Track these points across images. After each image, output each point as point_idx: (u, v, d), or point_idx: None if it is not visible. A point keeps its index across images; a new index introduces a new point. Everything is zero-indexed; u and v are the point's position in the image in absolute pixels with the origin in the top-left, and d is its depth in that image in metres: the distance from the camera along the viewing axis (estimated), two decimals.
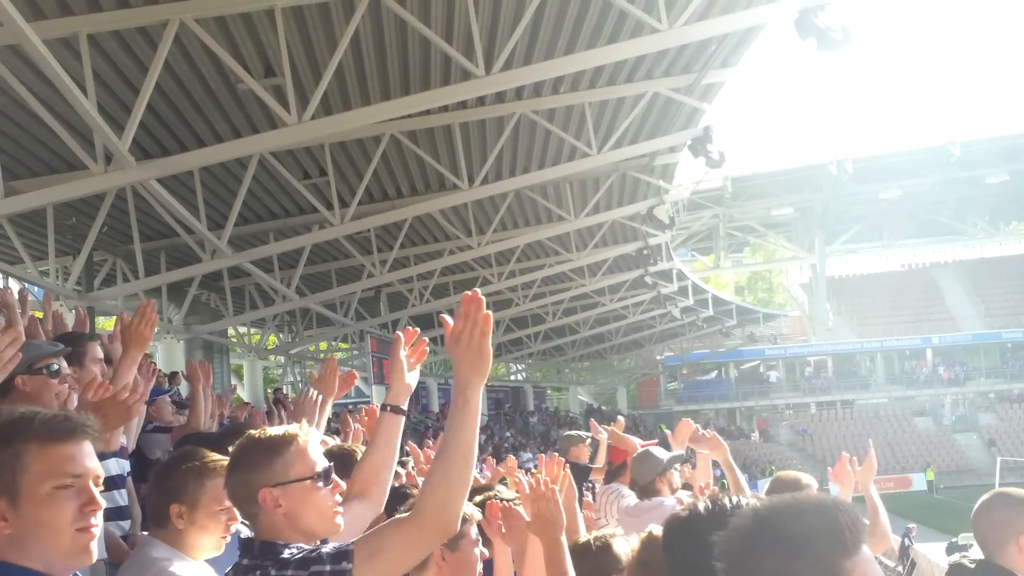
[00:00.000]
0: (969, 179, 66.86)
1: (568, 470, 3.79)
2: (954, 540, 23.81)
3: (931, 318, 72.82)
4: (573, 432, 10.27)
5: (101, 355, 4.90)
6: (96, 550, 2.22)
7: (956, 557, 4.23)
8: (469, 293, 2.58)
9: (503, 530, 3.63)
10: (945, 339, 69.07)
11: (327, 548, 2.52)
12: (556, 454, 3.71)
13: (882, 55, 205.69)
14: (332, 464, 2.78)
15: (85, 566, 2.23)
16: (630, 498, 6.63)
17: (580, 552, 3.68)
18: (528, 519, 3.46)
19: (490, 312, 2.61)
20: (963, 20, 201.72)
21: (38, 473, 2.11)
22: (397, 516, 2.62)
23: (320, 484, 2.69)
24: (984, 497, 4.05)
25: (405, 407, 3.42)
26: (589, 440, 9.57)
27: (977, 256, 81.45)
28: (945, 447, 61.18)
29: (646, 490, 6.35)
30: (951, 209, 73.48)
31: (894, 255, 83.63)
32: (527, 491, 3.47)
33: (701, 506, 2.51)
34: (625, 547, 3.89)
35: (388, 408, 3.33)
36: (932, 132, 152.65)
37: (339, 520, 2.73)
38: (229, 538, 3.29)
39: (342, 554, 2.46)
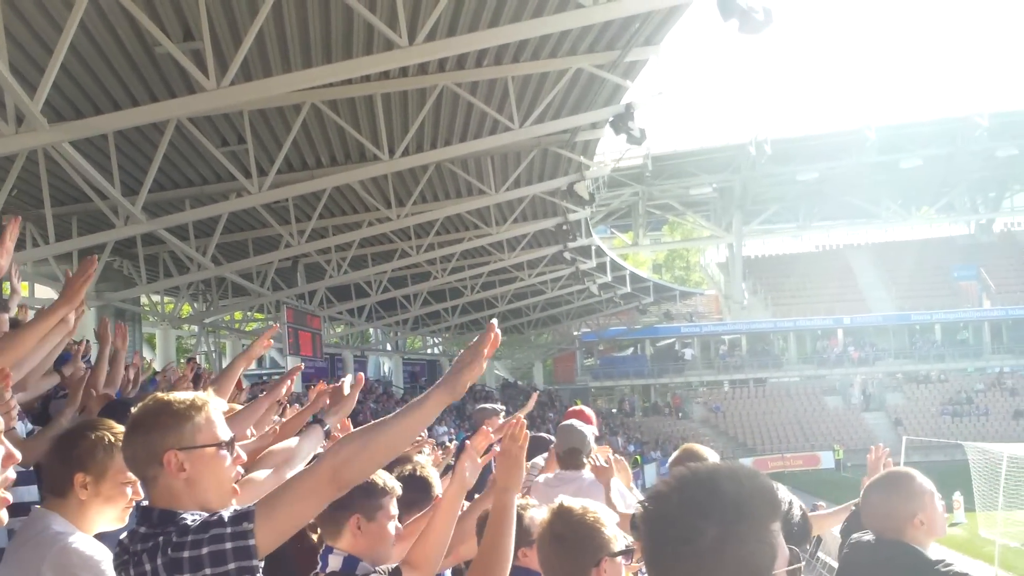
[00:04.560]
0: (883, 163, 67.95)
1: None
2: None
3: (844, 299, 74.04)
4: (487, 405, 10.43)
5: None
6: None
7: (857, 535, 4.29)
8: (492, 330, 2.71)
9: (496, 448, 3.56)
10: (856, 320, 70.34)
11: (227, 511, 2.51)
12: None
13: (803, 38, 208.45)
14: (233, 436, 2.78)
15: None
16: (544, 473, 6.65)
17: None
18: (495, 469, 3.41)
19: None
20: (883, 7, 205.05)
21: None
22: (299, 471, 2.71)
23: (225, 452, 2.70)
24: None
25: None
26: (503, 413, 9.68)
27: (889, 239, 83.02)
28: (853, 426, 62.34)
29: (570, 461, 6.34)
30: (866, 192, 74.60)
31: (809, 236, 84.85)
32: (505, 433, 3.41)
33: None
34: (540, 518, 3.86)
35: (318, 422, 3.47)
36: (849, 116, 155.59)
37: (234, 494, 2.74)
38: (131, 510, 3.23)
39: (242, 515, 2.46)
